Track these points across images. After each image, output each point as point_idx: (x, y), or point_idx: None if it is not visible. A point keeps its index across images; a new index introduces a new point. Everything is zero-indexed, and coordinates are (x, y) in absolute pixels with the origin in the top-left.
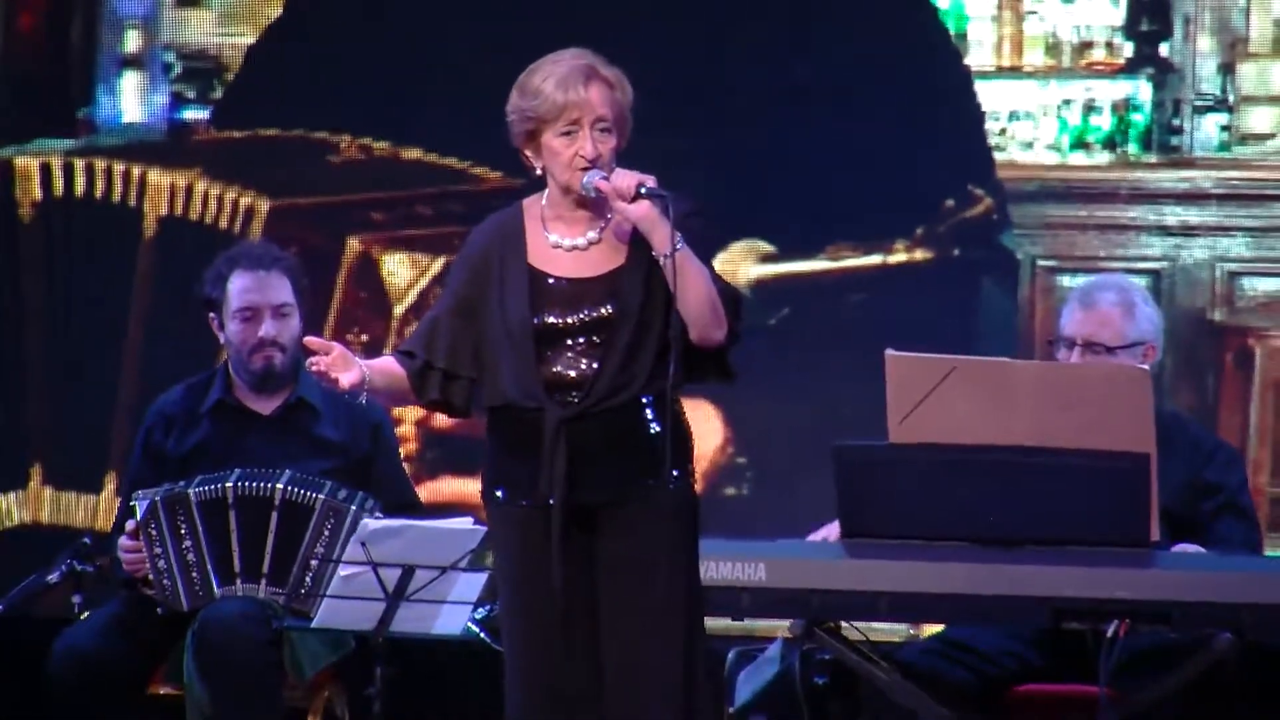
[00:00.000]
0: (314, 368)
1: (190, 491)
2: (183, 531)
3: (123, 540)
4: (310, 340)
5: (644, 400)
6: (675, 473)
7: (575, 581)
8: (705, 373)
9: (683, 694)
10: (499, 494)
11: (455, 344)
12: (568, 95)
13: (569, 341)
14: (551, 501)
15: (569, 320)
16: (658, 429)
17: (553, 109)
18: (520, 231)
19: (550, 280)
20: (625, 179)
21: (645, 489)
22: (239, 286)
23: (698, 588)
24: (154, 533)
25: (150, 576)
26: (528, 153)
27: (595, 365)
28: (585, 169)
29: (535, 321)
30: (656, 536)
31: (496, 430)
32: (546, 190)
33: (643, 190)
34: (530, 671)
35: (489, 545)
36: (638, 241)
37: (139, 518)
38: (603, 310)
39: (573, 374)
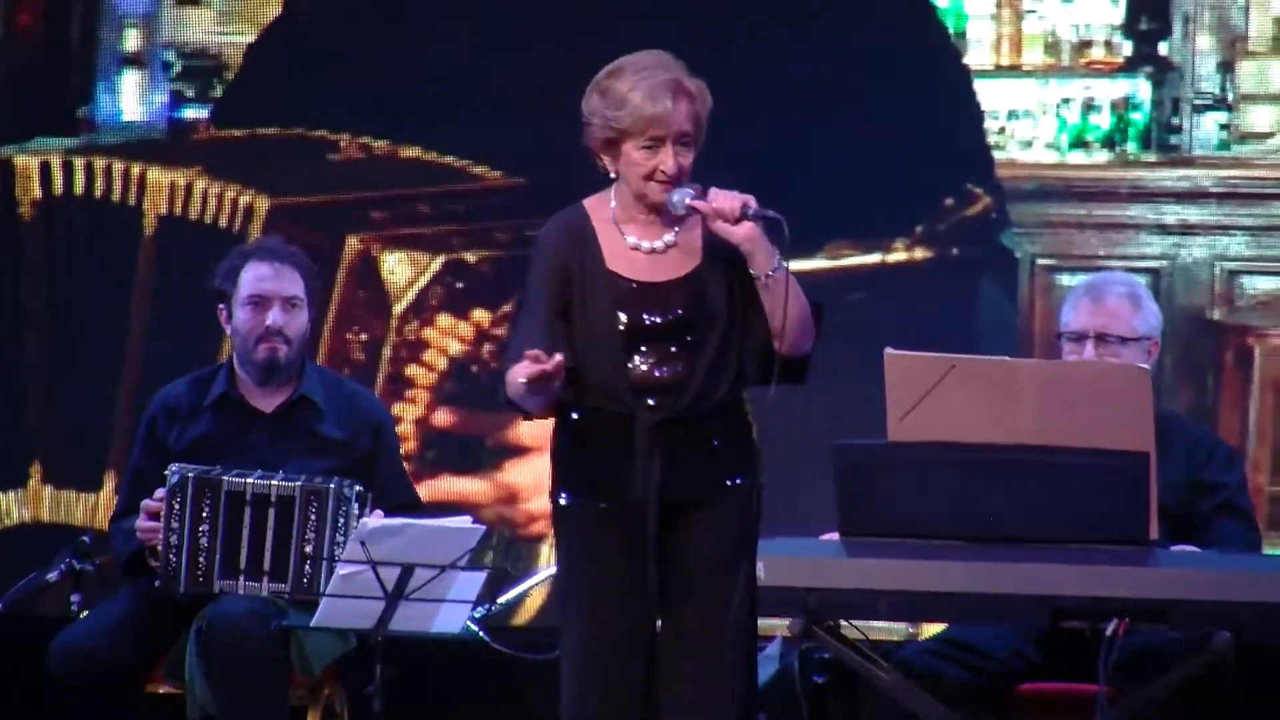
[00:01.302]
0: (536, 375)
1: (225, 479)
2: (204, 515)
3: (146, 503)
4: (531, 353)
5: (727, 403)
6: (751, 475)
7: (646, 580)
8: (784, 377)
9: (743, 695)
10: (577, 496)
11: (568, 343)
12: (655, 109)
13: (652, 344)
14: (641, 503)
15: (652, 323)
16: (737, 432)
17: (638, 123)
18: (592, 236)
19: (632, 284)
20: (728, 200)
21: (723, 490)
22: (252, 275)
23: (755, 588)
24: (177, 506)
25: (159, 548)
26: (605, 157)
27: (681, 368)
28: (665, 182)
29: (621, 326)
30: (729, 537)
31: (576, 433)
32: (614, 191)
33: (749, 212)
34: (591, 672)
35: (487, 544)
36: (710, 244)
37: (168, 486)
38: (684, 312)
39: (658, 376)
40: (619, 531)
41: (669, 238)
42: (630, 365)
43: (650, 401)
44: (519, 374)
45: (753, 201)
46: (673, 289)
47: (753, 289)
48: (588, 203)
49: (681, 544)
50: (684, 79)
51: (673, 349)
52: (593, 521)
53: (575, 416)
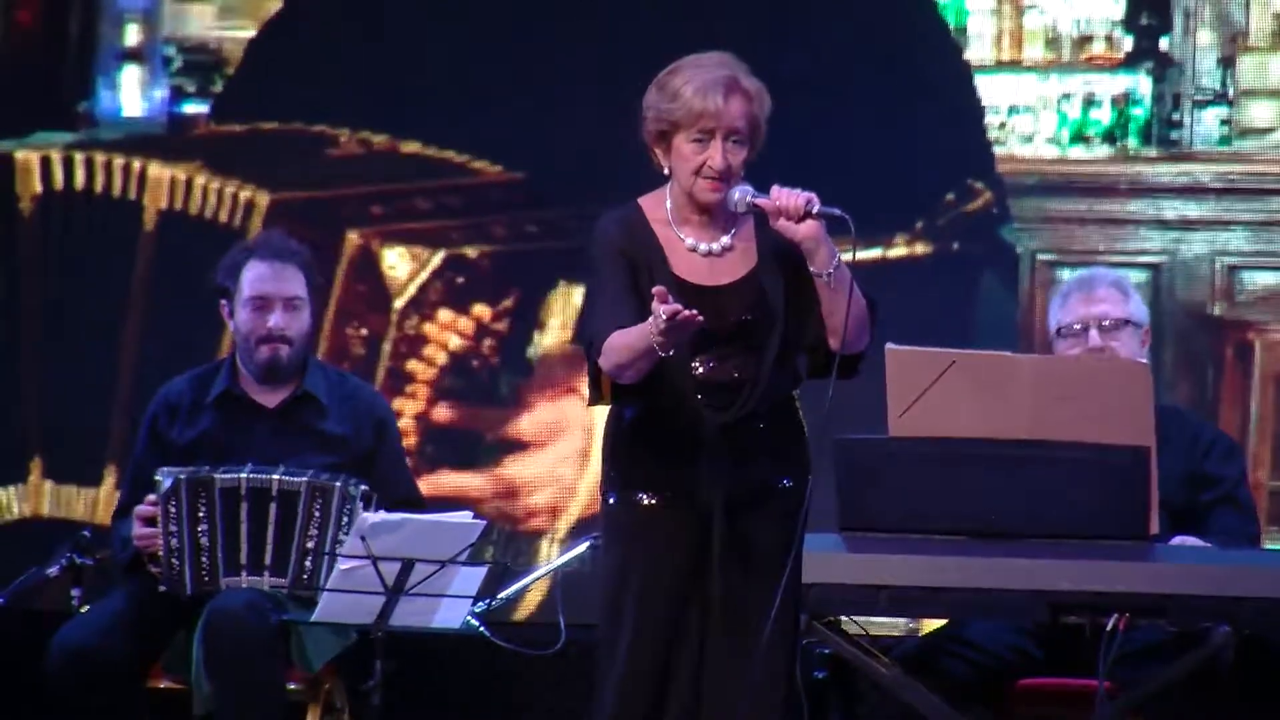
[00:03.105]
0: (674, 313)
1: (216, 476)
2: (201, 515)
3: (139, 510)
4: (660, 290)
5: (783, 403)
6: (802, 475)
7: (698, 577)
8: (838, 373)
9: (786, 697)
10: (632, 494)
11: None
12: (705, 103)
13: (716, 347)
14: (702, 503)
15: (716, 326)
16: (791, 432)
17: (688, 115)
18: (652, 236)
19: (697, 288)
20: (791, 198)
21: (777, 490)
22: (253, 275)
23: (800, 587)
24: (173, 510)
25: (160, 553)
26: (657, 151)
27: (744, 370)
28: (713, 179)
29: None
30: (782, 534)
31: (634, 432)
32: (668, 191)
33: (814, 210)
34: (636, 671)
35: (487, 539)
36: (764, 245)
37: (161, 492)
38: (746, 315)
39: (721, 378)
40: (675, 530)
41: (725, 240)
42: (694, 367)
43: (714, 402)
44: (659, 312)
45: (816, 199)
46: (734, 292)
47: (805, 288)
48: (643, 202)
49: (734, 542)
50: (741, 77)
51: (735, 351)
52: (648, 520)
53: (630, 414)
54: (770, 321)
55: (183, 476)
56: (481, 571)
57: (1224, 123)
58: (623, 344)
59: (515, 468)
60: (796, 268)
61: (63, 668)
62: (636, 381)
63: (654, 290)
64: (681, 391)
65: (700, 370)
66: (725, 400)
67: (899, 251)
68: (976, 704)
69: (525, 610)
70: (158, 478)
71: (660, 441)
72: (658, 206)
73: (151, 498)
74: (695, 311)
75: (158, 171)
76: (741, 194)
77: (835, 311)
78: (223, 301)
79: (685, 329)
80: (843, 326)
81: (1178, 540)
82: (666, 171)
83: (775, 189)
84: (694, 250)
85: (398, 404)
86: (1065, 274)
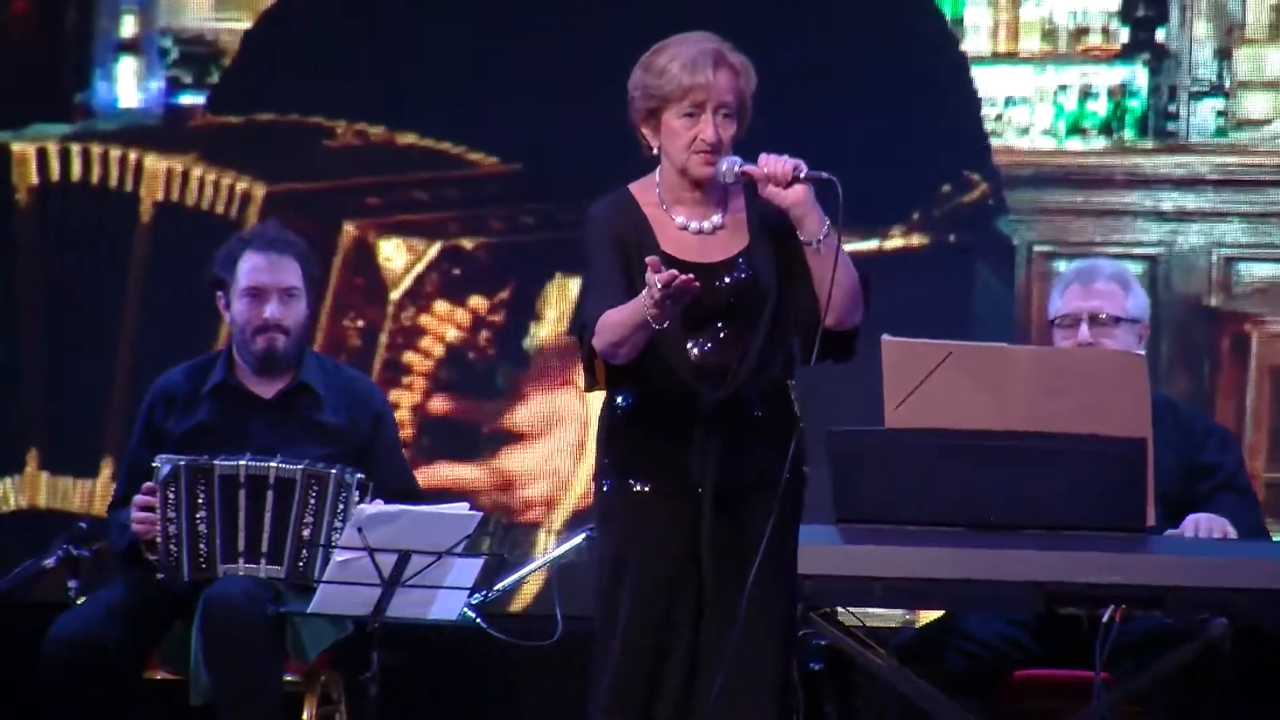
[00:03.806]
0: (669, 280)
1: (216, 463)
2: (200, 502)
3: (138, 498)
4: (653, 259)
5: (777, 391)
6: (797, 467)
7: (693, 565)
8: (832, 353)
9: (782, 685)
10: (627, 480)
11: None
12: (694, 78)
13: (707, 326)
14: (695, 487)
15: (707, 305)
16: (786, 423)
17: (677, 90)
18: (643, 218)
19: (688, 265)
20: (778, 164)
21: (775, 477)
22: (249, 265)
23: (795, 578)
24: (172, 497)
25: (157, 541)
26: (645, 131)
27: (736, 349)
28: (706, 153)
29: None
30: (779, 522)
31: (628, 416)
32: (658, 174)
33: (801, 175)
34: (631, 658)
35: (484, 531)
36: (756, 222)
37: (160, 478)
38: (739, 295)
39: (715, 359)
40: (670, 516)
41: (717, 218)
42: (688, 346)
43: (706, 382)
44: (654, 281)
45: (804, 164)
46: (725, 270)
47: (797, 264)
48: (633, 187)
49: (727, 530)
50: (726, 52)
51: (727, 330)
52: (643, 506)
53: (624, 401)
54: (762, 297)
55: (182, 463)
56: (478, 563)
57: (1220, 114)
58: (616, 321)
59: (511, 459)
60: (788, 244)
61: (60, 659)
62: (630, 360)
63: (647, 260)
64: (675, 372)
65: (694, 350)
66: (719, 380)
67: (895, 243)
68: (973, 695)
69: (522, 602)
70: (156, 464)
71: (655, 427)
72: (647, 190)
73: (150, 484)
74: (691, 276)
75: (154, 163)
76: (729, 164)
77: (825, 280)
78: (219, 293)
79: (681, 296)
80: (829, 295)
81: (1193, 518)
82: (655, 151)
83: (763, 156)
84: (685, 229)
85: (394, 395)
86: (1061, 266)
